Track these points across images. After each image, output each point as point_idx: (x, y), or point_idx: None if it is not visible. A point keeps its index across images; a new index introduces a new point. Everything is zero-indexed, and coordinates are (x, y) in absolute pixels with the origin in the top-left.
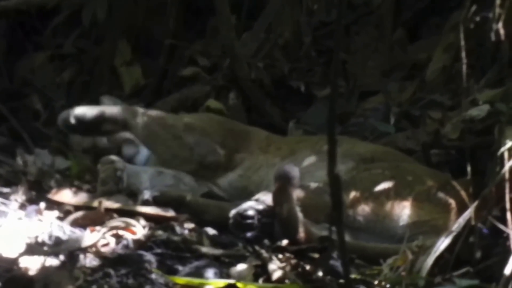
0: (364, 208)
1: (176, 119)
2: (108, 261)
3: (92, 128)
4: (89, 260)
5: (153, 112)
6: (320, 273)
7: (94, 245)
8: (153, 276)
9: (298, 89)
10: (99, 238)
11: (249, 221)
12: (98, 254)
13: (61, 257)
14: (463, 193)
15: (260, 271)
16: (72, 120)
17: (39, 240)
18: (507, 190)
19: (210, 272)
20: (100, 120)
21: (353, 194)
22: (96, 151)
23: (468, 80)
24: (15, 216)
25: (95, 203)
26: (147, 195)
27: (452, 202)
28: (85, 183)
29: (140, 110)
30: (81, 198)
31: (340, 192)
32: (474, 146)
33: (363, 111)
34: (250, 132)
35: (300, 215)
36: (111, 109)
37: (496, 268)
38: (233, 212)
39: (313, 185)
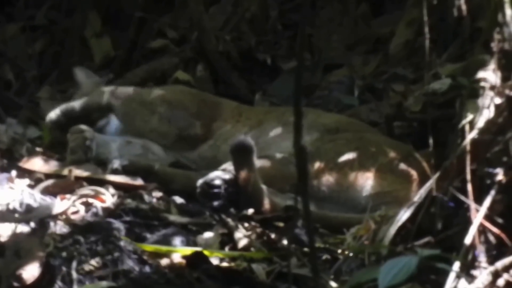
0: (329, 179)
1: (153, 95)
2: (78, 228)
3: (82, 120)
4: (59, 227)
5: (130, 89)
6: (285, 242)
7: (64, 212)
8: (122, 243)
9: (264, 62)
10: (69, 206)
11: (215, 190)
12: (68, 221)
13: (32, 224)
14: (425, 165)
15: (226, 239)
16: (62, 119)
17: (10, 207)
18: (467, 162)
19: (177, 240)
20: (88, 111)
21: (317, 164)
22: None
23: (430, 54)
24: None
25: (65, 172)
26: (116, 164)
27: (414, 173)
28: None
29: (119, 89)
30: (51, 166)
31: (305, 163)
32: (436, 119)
33: (328, 84)
34: (221, 102)
35: (264, 187)
36: (93, 97)
37: (457, 238)
38: (200, 181)
39: (279, 155)
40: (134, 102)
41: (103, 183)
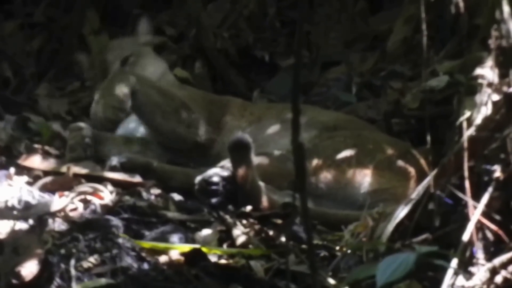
0: (326, 176)
1: (173, 92)
2: (76, 225)
3: None
4: (57, 225)
5: (153, 80)
6: (283, 239)
7: (63, 209)
8: (120, 240)
9: (262, 59)
10: (68, 203)
11: (214, 187)
12: (66, 218)
13: (30, 221)
14: (422, 162)
15: (225, 236)
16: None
17: (9, 204)
18: (465, 159)
19: (175, 237)
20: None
21: (315, 161)
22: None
23: (428, 51)
24: None
25: (64, 169)
26: (114, 161)
27: (412, 170)
28: (54, 148)
29: (145, 78)
30: (50, 163)
31: (303, 160)
32: (434, 116)
33: (326, 81)
34: (228, 99)
35: (262, 184)
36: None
37: (455, 234)
38: (198, 178)
39: (277, 152)
40: (157, 94)
41: (102, 180)
